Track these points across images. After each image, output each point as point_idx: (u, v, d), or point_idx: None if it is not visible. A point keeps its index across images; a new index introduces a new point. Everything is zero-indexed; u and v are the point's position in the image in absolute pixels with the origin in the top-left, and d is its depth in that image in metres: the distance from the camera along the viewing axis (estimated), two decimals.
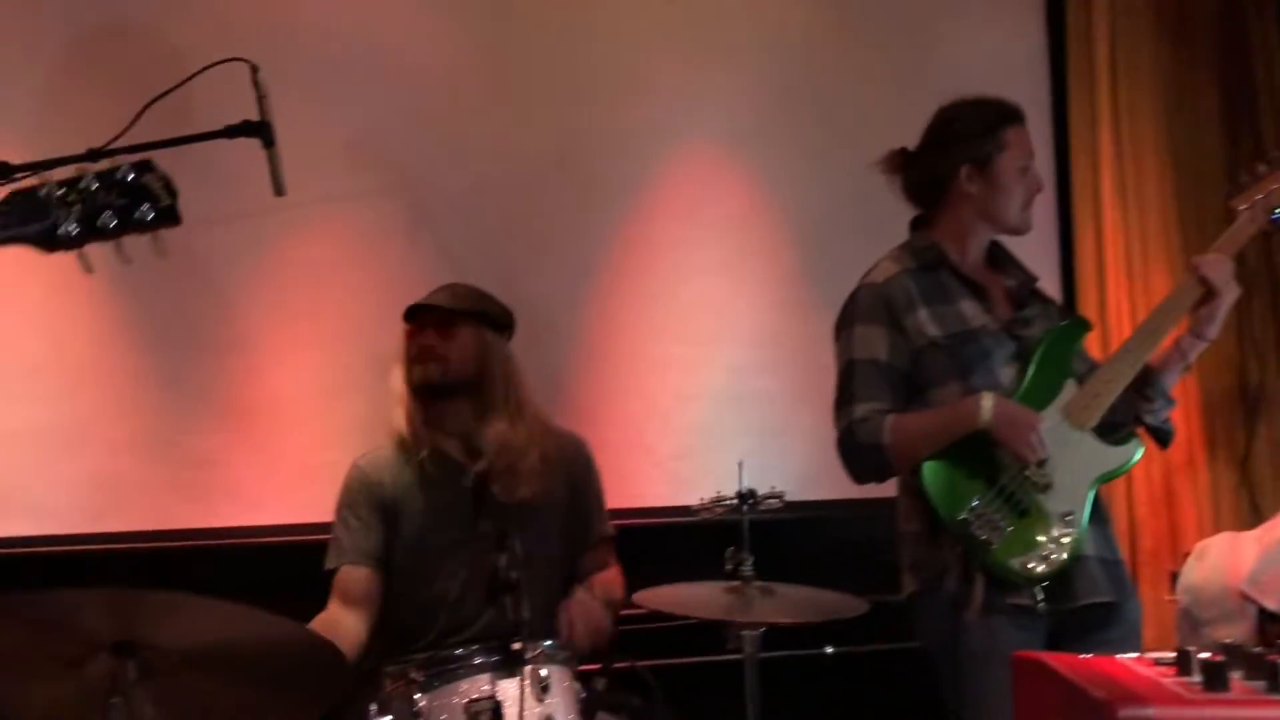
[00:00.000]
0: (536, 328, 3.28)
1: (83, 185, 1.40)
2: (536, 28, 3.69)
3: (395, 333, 2.88)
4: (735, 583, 2.60)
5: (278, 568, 3.36)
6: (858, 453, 2.51)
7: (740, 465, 2.75)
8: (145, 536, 3.34)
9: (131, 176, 1.43)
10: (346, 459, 2.90)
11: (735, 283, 3.79)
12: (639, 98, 3.75)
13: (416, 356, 2.76)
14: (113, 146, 2.33)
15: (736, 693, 2.68)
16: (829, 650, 3.12)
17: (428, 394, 2.75)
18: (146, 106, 2.38)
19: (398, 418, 2.76)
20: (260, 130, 2.41)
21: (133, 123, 2.36)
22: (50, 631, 1.66)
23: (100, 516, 3.31)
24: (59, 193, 1.38)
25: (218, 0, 3.47)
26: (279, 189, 2.45)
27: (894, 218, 2.77)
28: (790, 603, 2.60)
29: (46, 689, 1.75)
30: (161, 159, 2.38)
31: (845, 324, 2.61)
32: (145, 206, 1.41)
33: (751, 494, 2.73)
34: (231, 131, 2.43)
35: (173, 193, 1.45)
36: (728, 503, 2.77)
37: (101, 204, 1.39)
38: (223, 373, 3.43)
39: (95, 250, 1.48)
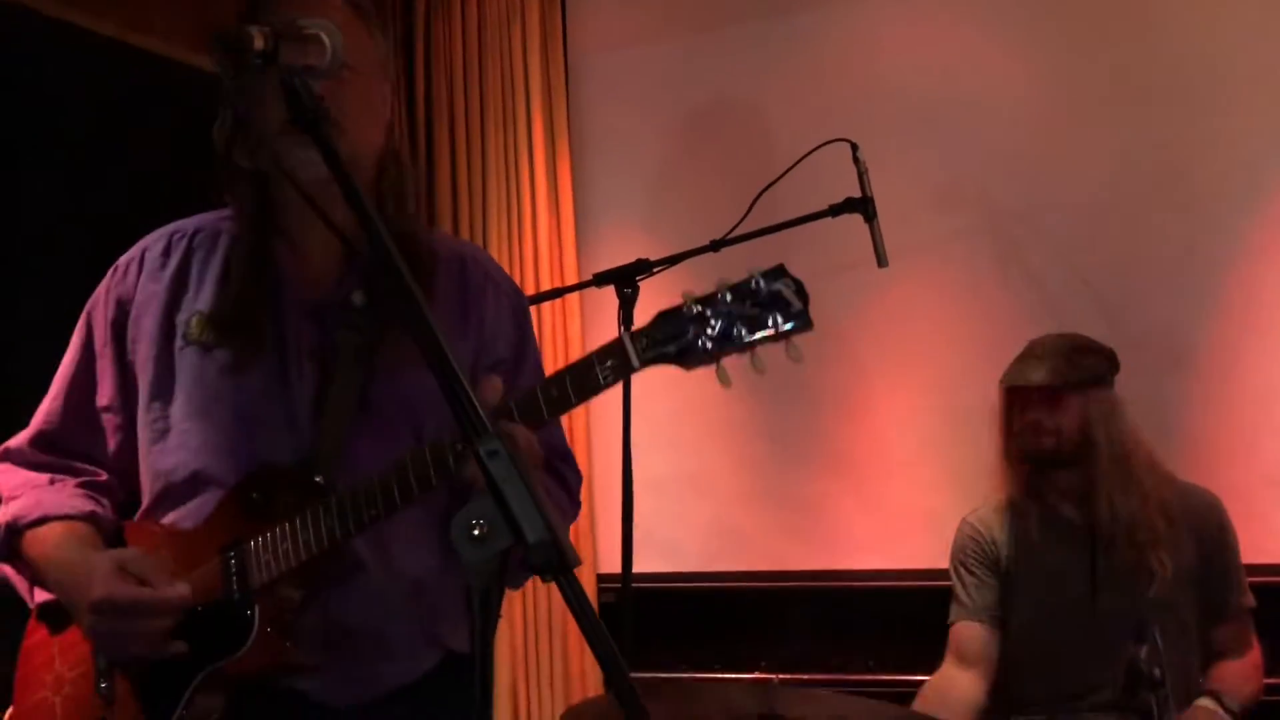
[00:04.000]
0: (1149, 365, 3.05)
1: (719, 298, 1.38)
2: (1115, 41, 3.43)
3: (992, 379, 2.82)
4: None
5: (881, 609, 3.47)
6: None
7: None
8: (760, 576, 3.60)
9: (764, 286, 1.37)
10: (948, 507, 2.90)
11: None
12: (1249, 93, 3.34)
13: (1024, 431, 2.66)
14: (731, 236, 2.57)
15: None
16: None
17: (1037, 462, 2.67)
18: (759, 195, 2.58)
19: (1004, 482, 2.70)
20: (863, 206, 2.52)
21: (748, 212, 2.58)
22: (708, 705, 1.93)
23: (719, 557, 3.63)
24: (697, 309, 1.38)
25: (804, 84, 3.63)
26: (881, 260, 2.53)
27: None
28: None
29: None
30: (771, 240, 2.60)
31: None
32: (778, 316, 1.37)
33: None
34: (836, 210, 2.57)
35: (804, 298, 1.38)
36: None
37: (735, 316, 1.38)
38: (825, 422, 3.59)
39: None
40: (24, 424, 1.72)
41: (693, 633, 3.63)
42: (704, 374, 3.99)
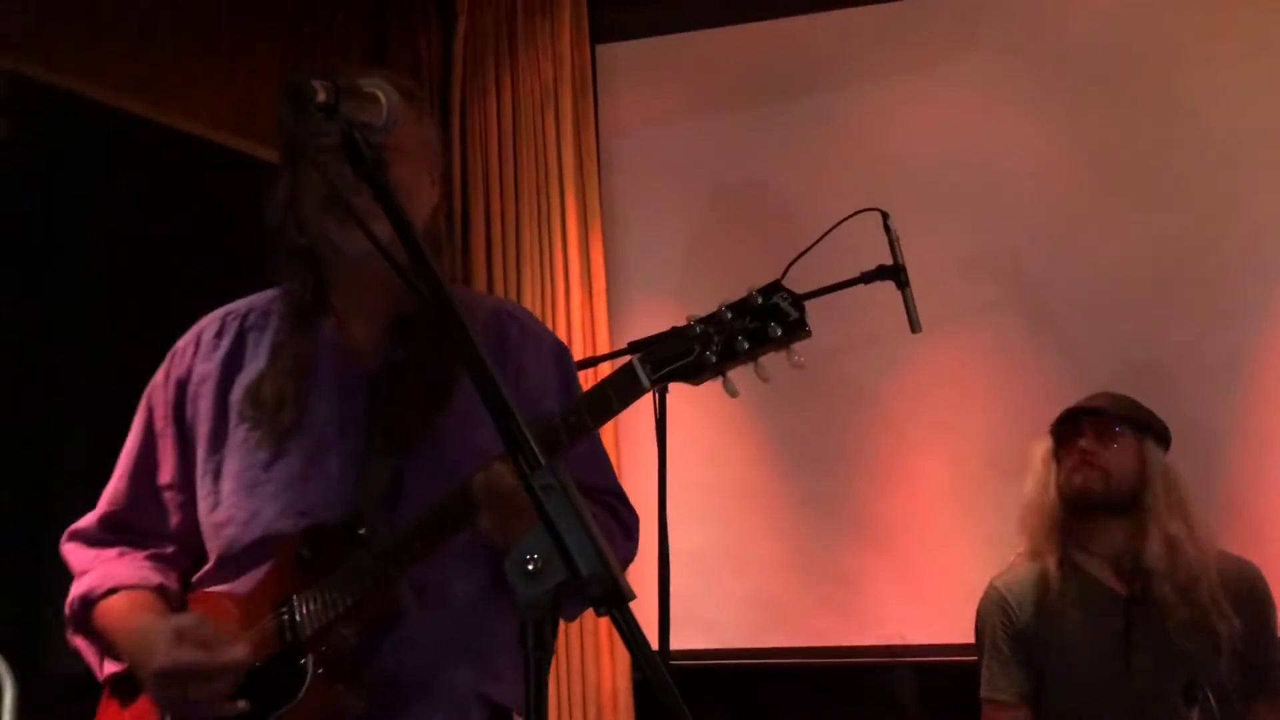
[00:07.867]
0: (1194, 437, 3.01)
1: (719, 316, 1.45)
2: (1138, 113, 3.47)
3: (1024, 445, 2.81)
4: None
5: (921, 684, 3.42)
6: None
7: None
8: (799, 652, 3.55)
9: (761, 300, 1.44)
10: (986, 578, 2.87)
11: None
12: (1270, 168, 3.37)
13: (1071, 467, 2.59)
14: None
15: None
16: None
17: (1081, 506, 2.58)
18: (790, 265, 2.59)
19: (1037, 533, 2.63)
20: (895, 273, 2.55)
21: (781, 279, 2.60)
22: None
23: (759, 632, 3.59)
24: (700, 329, 1.45)
25: (830, 160, 3.68)
26: (915, 326, 2.55)
27: None
28: None
29: None
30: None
31: None
32: (773, 325, 1.42)
33: None
34: (869, 277, 2.60)
35: (800, 306, 1.43)
36: None
37: (737, 330, 1.44)
38: (859, 491, 3.57)
39: (741, 376, 1.53)
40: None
41: (734, 710, 3.59)
42: (736, 442, 3.96)
